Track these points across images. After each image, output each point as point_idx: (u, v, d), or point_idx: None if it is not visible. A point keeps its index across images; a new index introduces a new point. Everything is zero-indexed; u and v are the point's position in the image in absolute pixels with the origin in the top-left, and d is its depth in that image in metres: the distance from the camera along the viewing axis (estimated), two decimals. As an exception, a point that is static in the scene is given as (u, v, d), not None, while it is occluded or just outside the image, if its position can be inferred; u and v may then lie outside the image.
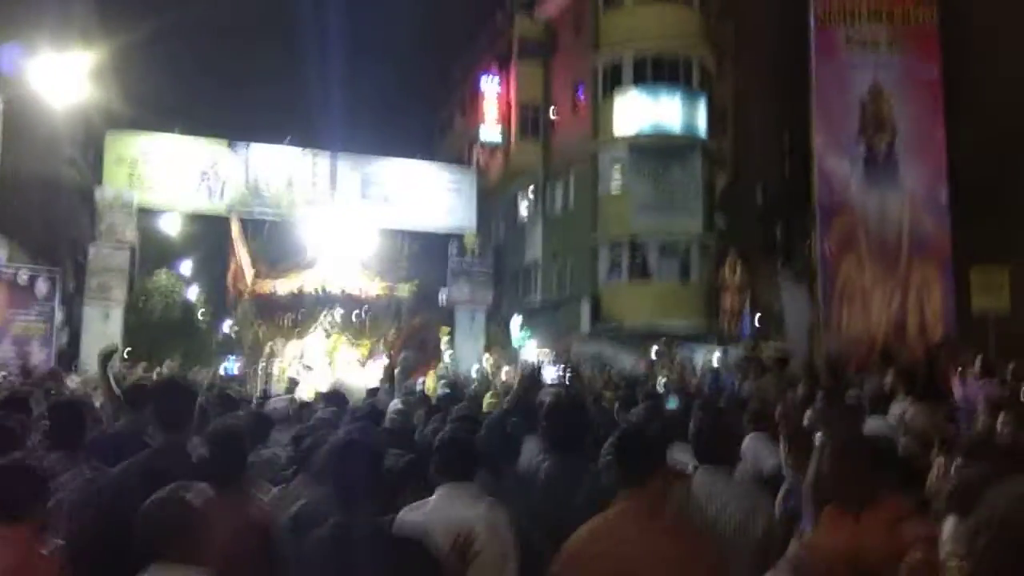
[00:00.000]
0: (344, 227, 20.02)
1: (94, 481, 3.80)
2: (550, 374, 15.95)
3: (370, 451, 3.13)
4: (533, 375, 7.01)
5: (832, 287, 14.12)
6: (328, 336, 17.89)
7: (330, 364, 17.49)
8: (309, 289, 17.89)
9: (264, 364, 17.92)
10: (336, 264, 18.57)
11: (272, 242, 21.94)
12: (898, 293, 13.97)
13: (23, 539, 2.92)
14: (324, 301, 17.96)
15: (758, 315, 23.03)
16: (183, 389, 4.13)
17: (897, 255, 14.14)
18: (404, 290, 19.52)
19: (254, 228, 21.07)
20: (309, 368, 17.28)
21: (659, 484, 3.06)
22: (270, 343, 18.05)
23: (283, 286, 18.10)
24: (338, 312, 18.08)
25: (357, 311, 18.15)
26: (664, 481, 3.11)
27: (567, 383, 11.10)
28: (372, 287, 18.66)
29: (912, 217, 14.13)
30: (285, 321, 18.02)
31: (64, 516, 3.38)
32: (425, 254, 29.84)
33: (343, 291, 18.14)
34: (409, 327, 19.02)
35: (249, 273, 18.41)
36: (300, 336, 17.95)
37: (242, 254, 18.81)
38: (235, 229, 19.31)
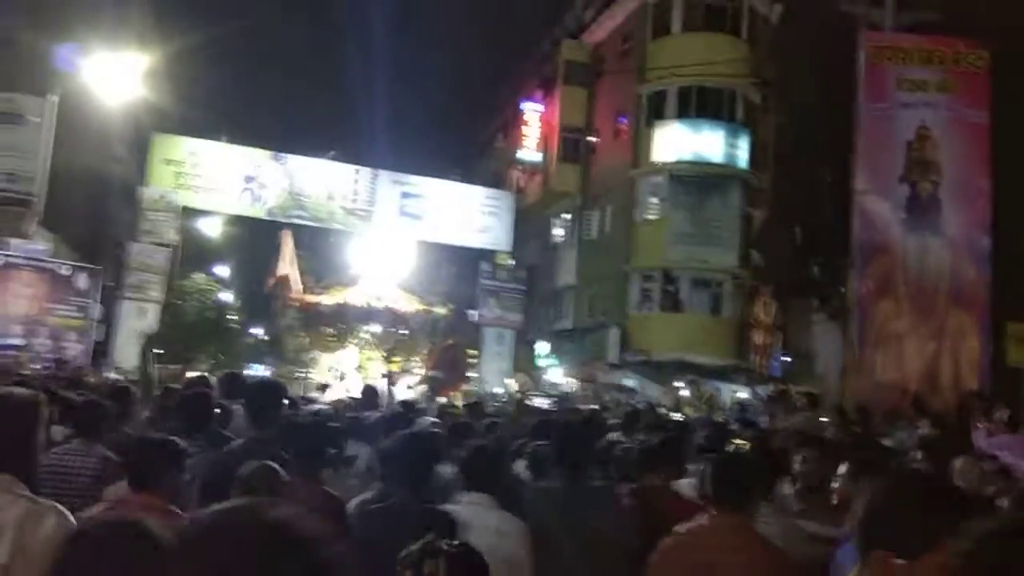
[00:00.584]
0: (385, 246, 20.65)
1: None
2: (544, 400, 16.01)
3: (434, 442, 3.88)
4: (524, 399, 7.47)
5: (867, 330, 13.88)
6: (361, 350, 18.34)
7: (362, 376, 17.86)
8: (353, 302, 18.93)
9: (305, 371, 18.87)
10: (377, 281, 19.25)
11: (317, 257, 22.40)
12: (933, 341, 13.70)
13: (158, 506, 3.12)
14: (366, 315, 18.98)
15: (789, 355, 22.74)
16: (275, 387, 4.99)
17: (935, 302, 13.87)
18: (441, 310, 20.50)
19: (299, 243, 21.47)
20: (342, 377, 17.72)
21: (749, 508, 3.36)
22: (311, 352, 19.26)
23: (328, 299, 19.31)
24: (377, 327, 19.01)
25: (395, 328, 19.16)
26: (753, 508, 3.41)
27: (555, 407, 11.28)
28: (411, 305, 19.58)
29: (952, 264, 13.88)
30: (328, 332, 19.14)
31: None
32: (459, 274, 30.05)
33: (386, 306, 19.01)
34: (442, 347, 19.56)
35: (298, 286, 19.55)
36: (339, 348, 19.01)
37: (293, 267, 19.90)
38: (288, 242, 20.24)
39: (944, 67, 14.12)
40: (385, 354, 18.98)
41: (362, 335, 19.03)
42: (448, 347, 19.82)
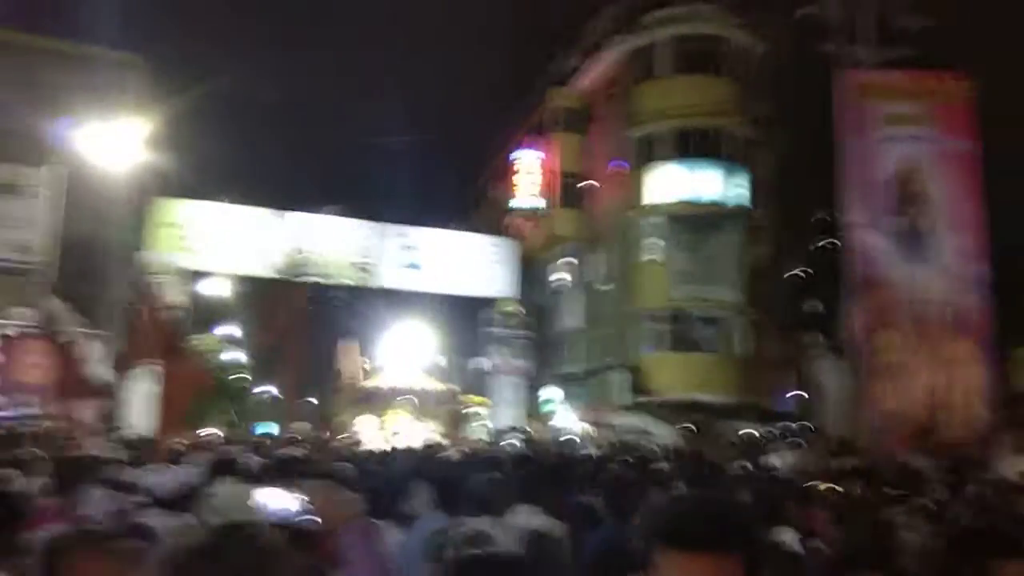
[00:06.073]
0: (410, 336, 32.33)
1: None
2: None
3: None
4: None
5: (868, 362, 13.84)
6: (392, 415, 28.10)
7: (382, 431, 26.35)
8: (392, 384, 29.58)
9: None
10: (407, 367, 30.61)
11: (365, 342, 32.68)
12: (937, 370, 13.64)
13: None
14: (402, 392, 29.06)
15: (797, 390, 22.61)
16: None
17: (936, 331, 13.84)
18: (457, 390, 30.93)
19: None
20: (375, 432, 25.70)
21: None
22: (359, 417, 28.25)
23: (377, 382, 30.04)
24: (413, 399, 28.66)
25: (426, 401, 28.79)
26: None
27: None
28: (434, 385, 29.90)
29: (951, 293, 13.87)
30: (375, 405, 28.74)
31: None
32: (465, 326, 31.19)
33: (421, 388, 29.02)
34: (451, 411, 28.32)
35: (360, 375, 30.31)
36: (382, 415, 28.30)
37: (356, 366, 30.46)
38: (354, 352, 30.22)
39: (928, 100, 14.26)
40: (417, 416, 27.67)
41: (399, 406, 28.33)
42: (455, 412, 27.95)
